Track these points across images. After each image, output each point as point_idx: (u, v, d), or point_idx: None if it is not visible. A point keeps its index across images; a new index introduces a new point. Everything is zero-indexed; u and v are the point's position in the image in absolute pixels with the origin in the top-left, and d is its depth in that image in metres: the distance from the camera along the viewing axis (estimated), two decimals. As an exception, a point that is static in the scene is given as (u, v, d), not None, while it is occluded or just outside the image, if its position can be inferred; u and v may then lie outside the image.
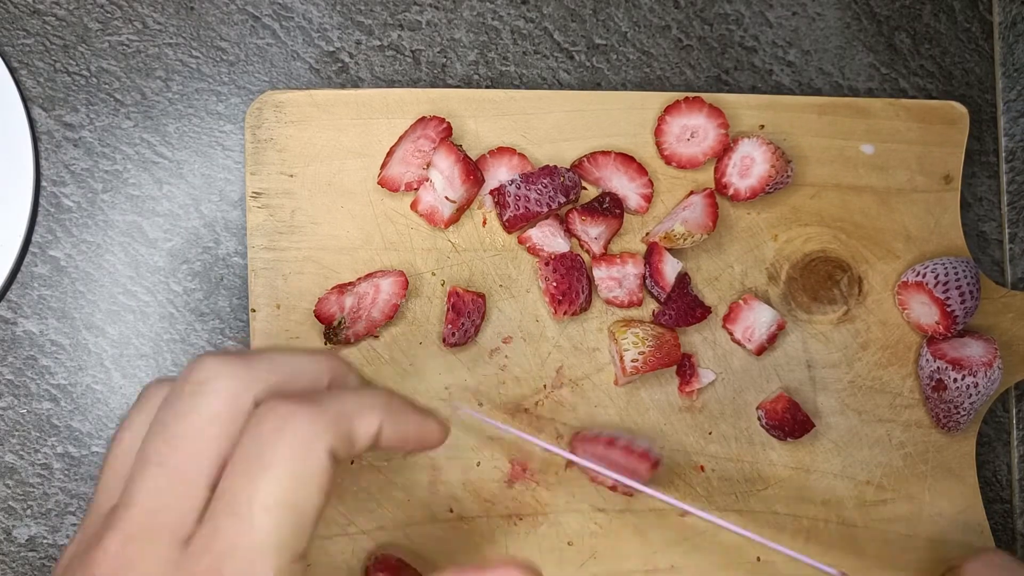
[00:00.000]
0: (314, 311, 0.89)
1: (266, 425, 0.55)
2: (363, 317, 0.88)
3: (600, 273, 0.92)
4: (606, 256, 0.92)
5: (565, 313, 0.91)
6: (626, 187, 0.93)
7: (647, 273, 0.92)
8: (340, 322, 0.88)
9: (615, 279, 0.92)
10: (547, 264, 0.90)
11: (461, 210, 0.91)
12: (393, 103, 0.92)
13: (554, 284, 0.90)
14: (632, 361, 0.89)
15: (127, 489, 0.55)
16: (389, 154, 0.91)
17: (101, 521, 0.56)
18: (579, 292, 0.91)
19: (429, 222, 0.91)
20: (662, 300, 0.92)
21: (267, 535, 0.53)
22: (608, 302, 0.93)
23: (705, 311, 0.93)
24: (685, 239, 0.89)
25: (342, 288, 0.89)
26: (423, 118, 0.91)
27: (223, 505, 0.54)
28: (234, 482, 0.54)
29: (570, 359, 0.93)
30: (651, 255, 0.92)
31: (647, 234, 0.93)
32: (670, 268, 0.92)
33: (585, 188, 0.93)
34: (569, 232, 0.92)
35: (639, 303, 0.93)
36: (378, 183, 0.91)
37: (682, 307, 0.92)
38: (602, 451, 0.89)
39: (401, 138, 0.91)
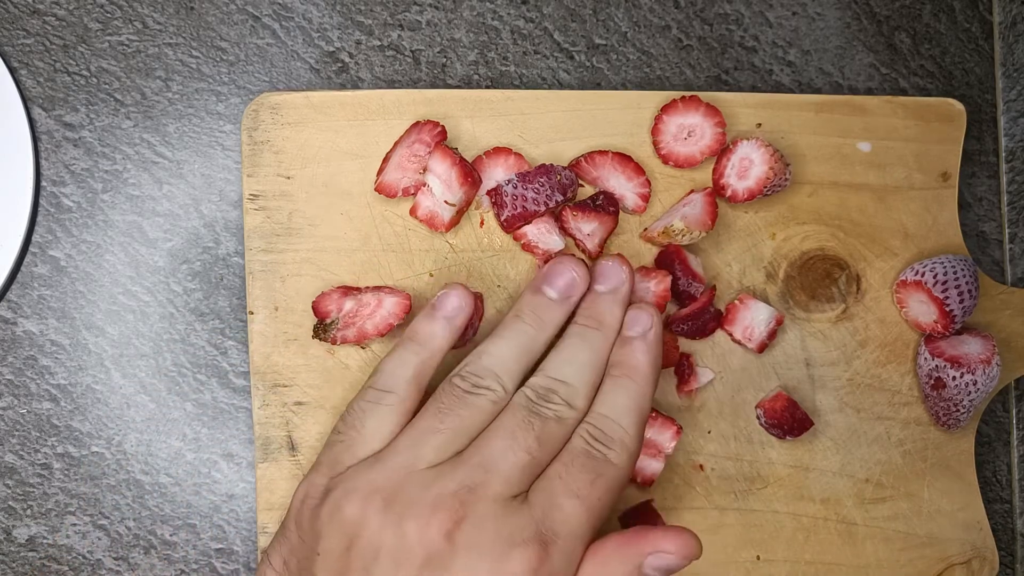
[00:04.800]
0: (312, 303, 0.89)
1: (603, 446, 0.77)
2: (355, 325, 0.88)
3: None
4: (642, 268, 0.93)
5: None
6: (623, 186, 0.93)
7: (679, 275, 0.92)
8: (333, 322, 0.88)
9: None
10: (545, 263, 0.90)
11: (461, 213, 0.91)
12: (390, 104, 0.92)
13: None
14: (631, 364, 0.89)
15: (488, 457, 0.74)
16: (385, 160, 0.91)
17: (360, 462, 0.76)
18: None
19: (429, 227, 0.91)
20: (696, 296, 0.93)
21: (589, 527, 0.73)
22: None
23: (716, 324, 0.94)
24: (683, 235, 0.89)
25: (347, 290, 0.89)
26: (417, 123, 0.91)
27: (564, 488, 0.73)
28: (577, 476, 0.74)
29: (568, 358, 0.93)
30: (674, 258, 0.92)
31: (645, 230, 0.93)
32: (697, 264, 0.92)
33: (582, 186, 0.94)
34: (564, 230, 0.92)
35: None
36: (375, 190, 0.91)
37: (705, 321, 0.92)
38: None
39: (396, 144, 0.91)
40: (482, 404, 0.77)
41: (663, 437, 0.90)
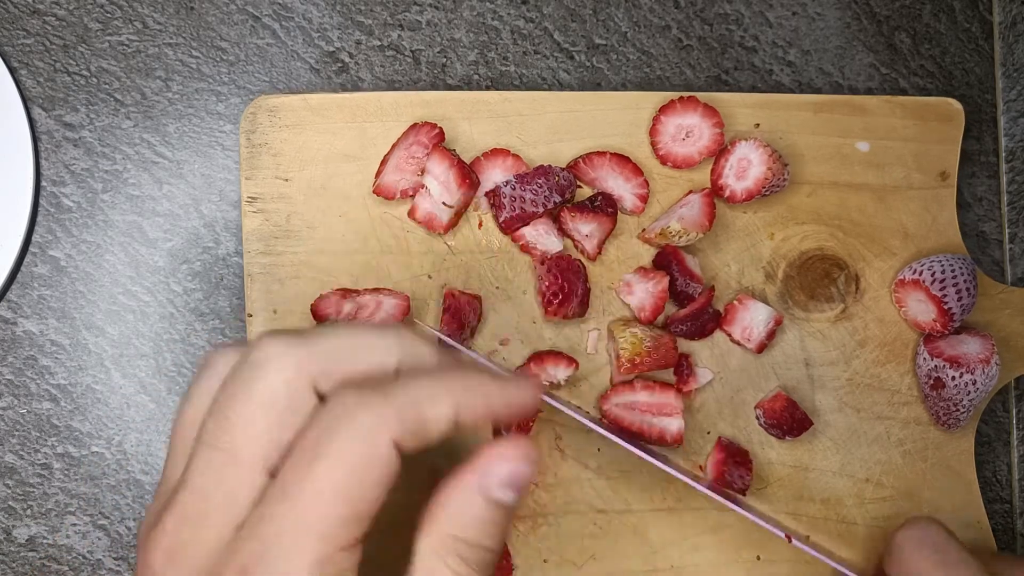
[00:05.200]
0: (311, 306, 0.89)
1: (329, 414, 0.55)
2: None
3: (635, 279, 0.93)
4: (640, 269, 0.93)
5: (555, 314, 0.90)
6: (622, 187, 0.93)
7: (677, 275, 0.92)
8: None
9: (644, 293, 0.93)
10: (542, 263, 0.91)
11: (459, 214, 0.91)
12: (387, 106, 0.92)
13: (546, 284, 0.90)
14: (628, 361, 0.89)
15: (185, 469, 0.57)
16: (383, 163, 0.91)
17: (164, 499, 0.57)
18: (572, 296, 0.90)
19: (428, 228, 0.91)
20: (695, 296, 0.93)
21: (314, 521, 0.53)
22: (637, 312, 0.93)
23: (715, 324, 0.94)
24: (680, 236, 0.89)
25: (346, 293, 0.89)
26: (415, 124, 0.91)
27: (275, 491, 0.54)
28: (290, 470, 0.54)
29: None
30: (672, 259, 0.92)
31: (643, 231, 0.94)
32: (695, 264, 0.93)
33: (580, 187, 0.94)
34: (562, 231, 0.92)
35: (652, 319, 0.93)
36: (373, 192, 0.91)
37: (704, 321, 0.93)
38: (630, 398, 0.90)
39: (394, 146, 0.91)
40: None
41: (668, 398, 0.90)
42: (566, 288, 0.90)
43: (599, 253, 0.93)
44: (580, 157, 0.93)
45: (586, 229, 0.91)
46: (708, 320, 0.93)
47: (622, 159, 0.93)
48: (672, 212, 0.92)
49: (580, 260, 0.92)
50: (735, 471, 0.92)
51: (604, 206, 0.91)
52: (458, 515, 0.57)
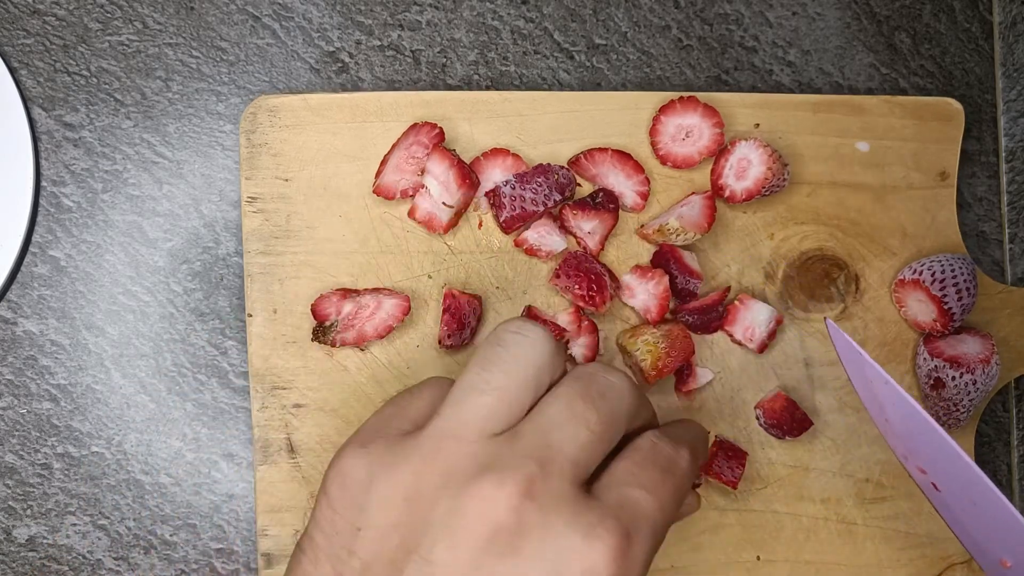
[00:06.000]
0: (311, 306, 0.89)
1: (671, 448, 0.70)
2: (356, 327, 0.88)
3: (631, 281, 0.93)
4: (638, 268, 0.93)
5: (598, 308, 0.91)
6: (623, 184, 0.93)
7: (676, 272, 0.92)
8: (332, 324, 0.88)
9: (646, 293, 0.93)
10: (558, 276, 0.90)
11: (459, 214, 0.91)
12: (387, 106, 0.92)
13: (579, 287, 0.90)
14: (653, 368, 0.89)
15: (446, 411, 0.66)
16: (383, 163, 0.91)
17: (402, 435, 0.67)
18: (604, 282, 0.90)
19: (428, 229, 0.91)
20: (695, 294, 0.93)
21: (663, 527, 0.67)
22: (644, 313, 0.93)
23: (719, 323, 0.94)
24: (678, 235, 0.89)
25: (346, 293, 0.89)
26: (415, 125, 0.91)
27: (637, 481, 0.67)
28: (649, 472, 0.68)
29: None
30: (669, 256, 0.92)
31: (642, 226, 0.93)
32: (693, 260, 0.93)
33: (579, 185, 0.94)
34: (564, 229, 0.92)
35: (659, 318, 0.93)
36: (373, 192, 0.91)
37: (711, 318, 0.93)
38: None
39: (394, 146, 0.91)
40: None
41: None
42: (593, 281, 0.90)
43: (601, 250, 0.93)
44: (582, 152, 0.93)
45: (588, 226, 0.91)
46: (715, 318, 0.93)
47: (623, 156, 0.92)
48: (672, 210, 0.92)
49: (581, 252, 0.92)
50: (725, 463, 0.92)
51: (606, 202, 0.91)
52: None
